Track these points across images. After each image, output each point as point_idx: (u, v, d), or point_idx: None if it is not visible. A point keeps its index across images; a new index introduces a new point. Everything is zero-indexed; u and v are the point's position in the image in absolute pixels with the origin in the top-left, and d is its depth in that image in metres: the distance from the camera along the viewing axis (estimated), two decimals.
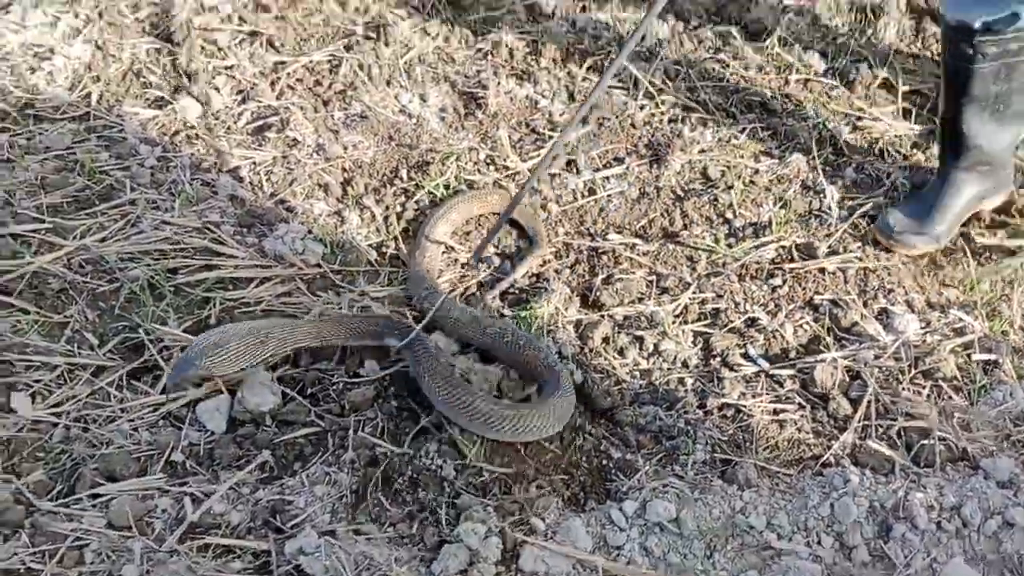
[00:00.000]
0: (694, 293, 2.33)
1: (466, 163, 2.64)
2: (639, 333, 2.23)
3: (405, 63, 2.96)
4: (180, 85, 2.79)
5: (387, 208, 2.52)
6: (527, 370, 2.09)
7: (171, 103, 2.73)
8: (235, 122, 2.72)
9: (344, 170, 2.62)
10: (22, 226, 2.37)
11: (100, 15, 3.00)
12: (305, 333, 2.09)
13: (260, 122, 2.72)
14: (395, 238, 2.46)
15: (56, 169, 2.54)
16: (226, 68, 2.88)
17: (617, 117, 2.81)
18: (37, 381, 2.05)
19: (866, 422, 2.02)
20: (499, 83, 2.91)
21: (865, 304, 2.29)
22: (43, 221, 2.39)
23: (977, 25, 2.20)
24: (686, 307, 2.30)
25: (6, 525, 1.72)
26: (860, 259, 2.40)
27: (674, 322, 2.27)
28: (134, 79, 2.81)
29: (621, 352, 2.19)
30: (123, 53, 2.87)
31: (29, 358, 2.09)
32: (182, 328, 2.15)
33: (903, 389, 2.08)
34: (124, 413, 2.01)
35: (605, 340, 2.21)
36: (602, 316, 2.27)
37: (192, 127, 2.67)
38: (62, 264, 2.29)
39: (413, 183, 2.57)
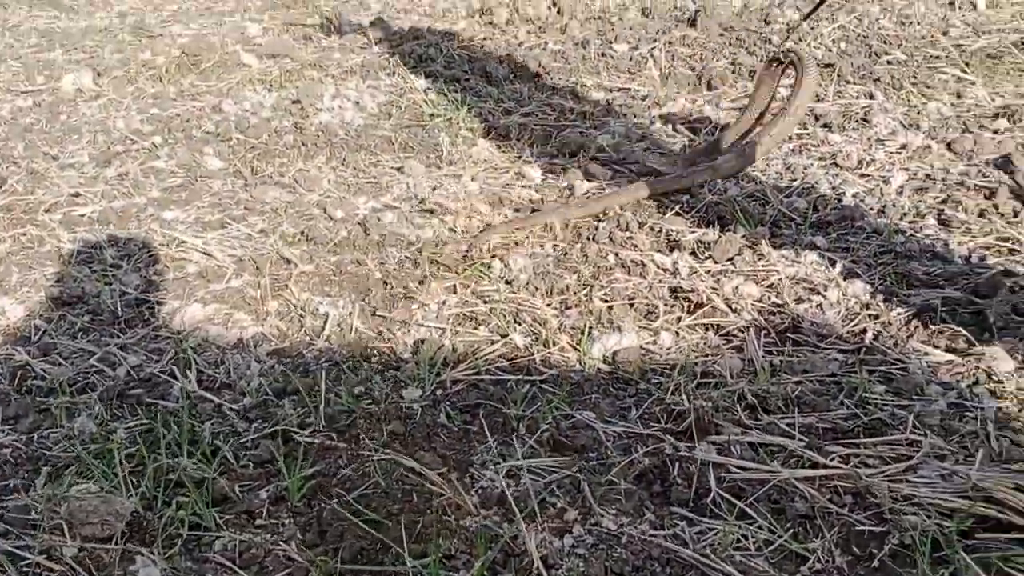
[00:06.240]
0: None
1: None
2: None
3: None
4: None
5: None
6: None
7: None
8: None
9: None
10: (771, 438, 1.94)
11: None
12: None
13: None
14: None
15: (814, 391, 2.10)
16: None
17: None
18: None
19: None
20: None
21: None
22: (792, 438, 1.93)
23: None
24: None
25: None
26: None
27: None
28: (919, 327, 2.32)
29: None
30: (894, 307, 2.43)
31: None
32: None
33: None
34: None
35: None
36: None
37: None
38: (814, 485, 1.77)
39: None
